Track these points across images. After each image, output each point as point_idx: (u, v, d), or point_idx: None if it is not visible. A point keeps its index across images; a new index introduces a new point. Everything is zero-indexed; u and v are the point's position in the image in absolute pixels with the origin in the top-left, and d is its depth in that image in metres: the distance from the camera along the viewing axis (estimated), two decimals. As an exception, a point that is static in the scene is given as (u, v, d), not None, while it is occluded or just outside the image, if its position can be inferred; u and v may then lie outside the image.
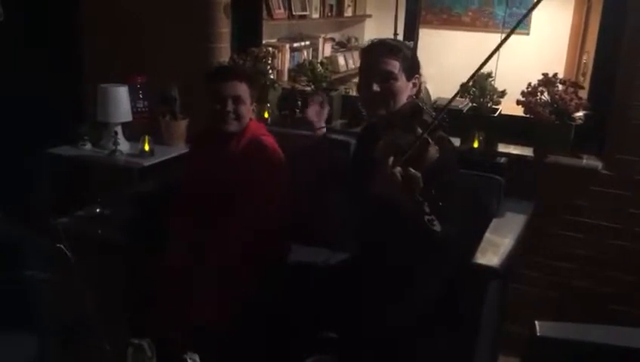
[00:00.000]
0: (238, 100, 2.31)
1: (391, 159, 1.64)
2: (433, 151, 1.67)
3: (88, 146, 3.00)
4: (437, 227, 1.59)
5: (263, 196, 2.26)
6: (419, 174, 1.59)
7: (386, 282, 1.90)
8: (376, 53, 1.97)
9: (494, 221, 2.29)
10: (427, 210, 1.60)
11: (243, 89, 2.32)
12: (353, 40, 4.91)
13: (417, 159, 1.66)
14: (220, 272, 2.14)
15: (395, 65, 1.93)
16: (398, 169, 1.61)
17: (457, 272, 1.96)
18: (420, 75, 2.02)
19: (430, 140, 1.67)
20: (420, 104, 1.89)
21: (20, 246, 2.11)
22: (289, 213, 2.33)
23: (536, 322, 1.13)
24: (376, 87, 1.94)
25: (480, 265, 1.98)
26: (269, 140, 2.37)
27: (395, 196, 1.62)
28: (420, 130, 1.70)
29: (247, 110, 2.35)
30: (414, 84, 1.99)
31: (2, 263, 2.04)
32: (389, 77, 1.93)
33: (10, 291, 2.00)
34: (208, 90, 2.35)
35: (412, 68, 1.98)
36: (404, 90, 1.96)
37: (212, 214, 2.30)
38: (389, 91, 1.94)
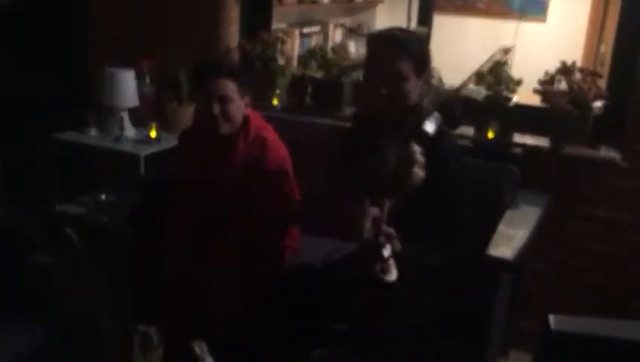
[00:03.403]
0: (224, 100, 2.15)
1: (370, 211, 1.60)
2: (418, 173, 1.65)
3: (94, 132, 2.97)
4: (390, 276, 1.54)
5: (271, 192, 2.21)
6: (391, 232, 1.56)
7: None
8: (384, 51, 1.85)
9: (508, 212, 2.25)
10: (386, 253, 1.54)
11: (230, 87, 2.16)
12: (364, 26, 4.85)
13: (395, 185, 1.64)
14: (229, 265, 2.11)
15: (405, 65, 1.82)
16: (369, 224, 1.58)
17: (469, 265, 1.92)
18: (431, 68, 1.92)
19: (418, 158, 1.65)
20: (424, 111, 1.81)
21: (27, 230, 2.10)
22: (297, 205, 2.29)
23: (549, 315, 1.09)
24: (384, 90, 1.83)
25: (493, 258, 1.95)
26: (270, 133, 2.28)
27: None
28: (416, 148, 1.68)
29: (238, 108, 2.19)
30: (425, 80, 1.89)
31: (9, 247, 2.03)
32: (398, 79, 1.82)
33: (17, 276, 1.99)
34: (194, 90, 2.23)
35: (423, 64, 1.87)
36: (414, 89, 1.86)
37: (220, 210, 2.25)
38: (398, 94, 1.83)
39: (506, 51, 2.54)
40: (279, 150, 2.26)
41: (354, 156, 1.94)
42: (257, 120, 2.31)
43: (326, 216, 2.19)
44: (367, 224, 1.59)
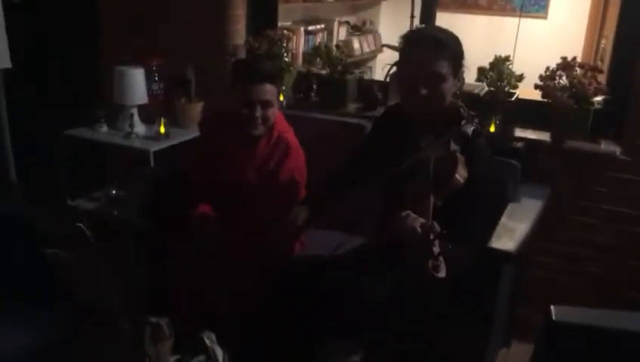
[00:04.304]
0: (266, 105, 2.20)
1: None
2: (462, 172, 1.65)
3: (104, 128, 3.01)
4: (441, 273, 1.51)
5: (286, 193, 2.26)
6: (440, 230, 1.53)
7: (403, 267, 1.90)
8: (424, 52, 1.80)
9: (510, 206, 2.29)
10: (436, 250, 1.52)
11: (271, 92, 2.21)
12: (368, 23, 4.87)
13: (441, 184, 1.63)
14: (239, 260, 2.15)
15: (445, 66, 1.79)
16: (420, 222, 1.57)
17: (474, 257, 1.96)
18: (464, 66, 1.89)
19: (460, 158, 1.65)
20: (462, 110, 1.80)
21: (40, 225, 2.13)
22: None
23: (551, 306, 1.12)
24: (423, 91, 1.80)
25: (495, 250, 1.98)
26: (291, 136, 2.32)
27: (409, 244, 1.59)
28: (454, 146, 1.69)
29: (275, 112, 2.25)
30: (459, 79, 1.87)
31: (23, 242, 2.07)
32: (437, 79, 1.80)
33: (31, 269, 2.03)
34: (235, 89, 2.23)
35: (459, 63, 1.85)
36: (451, 89, 1.84)
37: (233, 204, 2.29)
38: (437, 94, 1.81)
39: (505, 59, 2.56)
40: (298, 155, 2.31)
41: (388, 154, 1.93)
42: (282, 122, 2.34)
43: (363, 214, 2.22)
44: (417, 222, 1.59)
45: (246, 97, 2.19)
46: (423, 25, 2.84)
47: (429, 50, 1.81)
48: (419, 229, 1.58)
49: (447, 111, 1.83)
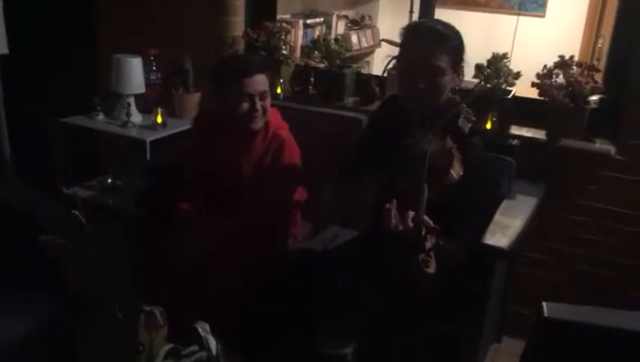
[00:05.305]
0: (264, 95, 2.21)
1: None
2: (457, 168, 1.65)
3: (101, 117, 3.01)
4: (431, 268, 1.49)
5: (280, 190, 2.27)
6: (432, 225, 1.52)
7: (397, 258, 1.91)
8: (425, 45, 1.81)
9: (505, 202, 2.30)
10: (428, 245, 1.50)
11: (265, 81, 2.23)
12: (367, 18, 4.87)
13: (435, 179, 1.63)
14: (233, 250, 2.15)
15: (445, 60, 1.79)
16: (412, 215, 1.56)
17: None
18: (464, 61, 1.88)
19: (456, 154, 1.65)
20: (460, 107, 1.79)
21: (35, 212, 2.13)
22: (302, 197, 2.37)
23: (543, 303, 1.13)
24: (421, 85, 1.80)
25: (488, 246, 1.98)
26: (286, 132, 2.32)
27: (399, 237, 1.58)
28: (450, 142, 1.68)
29: (270, 102, 2.26)
30: (458, 74, 1.87)
31: (19, 229, 2.06)
32: (436, 72, 1.80)
33: (27, 257, 2.03)
34: (226, 88, 2.21)
35: (459, 58, 1.85)
36: (450, 83, 1.84)
37: (228, 198, 2.30)
38: (435, 88, 1.81)
39: (502, 57, 2.57)
40: (293, 151, 2.31)
41: (384, 147, 1.92)
42: (277, 118, 2.34)
43: (358, 207, 2.20)
44: (409, 216, 1.58)
45: (245, 91, 2.18)
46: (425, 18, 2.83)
47: (429, 42, 1.81)
48: (410, 223, 1.57)
49: (445, 106, 1.83)
